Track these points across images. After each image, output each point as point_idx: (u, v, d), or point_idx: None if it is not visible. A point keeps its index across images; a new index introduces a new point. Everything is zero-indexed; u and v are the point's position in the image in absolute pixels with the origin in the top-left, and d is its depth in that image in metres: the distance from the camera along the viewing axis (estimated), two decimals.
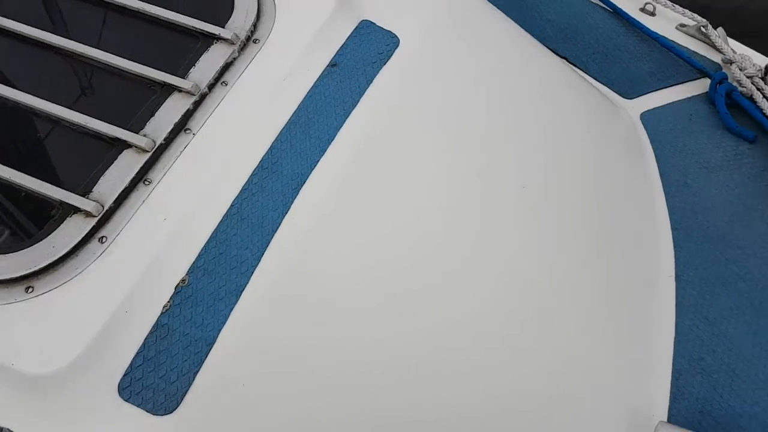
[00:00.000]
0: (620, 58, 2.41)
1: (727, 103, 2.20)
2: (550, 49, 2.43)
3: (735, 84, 2.25)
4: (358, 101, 1.52)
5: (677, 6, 2.54)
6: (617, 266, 1.85)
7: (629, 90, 2.32)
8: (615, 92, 2.32)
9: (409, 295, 1.39)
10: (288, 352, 1.28)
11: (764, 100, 2.18)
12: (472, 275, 1.53)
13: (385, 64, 1.61)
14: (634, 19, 2.45)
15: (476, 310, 1.50)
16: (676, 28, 2.50)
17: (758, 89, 2.21)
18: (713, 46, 2.39)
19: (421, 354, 1.37)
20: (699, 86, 2.30)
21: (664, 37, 2.41)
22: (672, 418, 1.61)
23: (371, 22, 1.71)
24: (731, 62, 2.29)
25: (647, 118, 2.23)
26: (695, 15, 2.49)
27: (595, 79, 2.36)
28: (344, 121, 1.48)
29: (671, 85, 2.31)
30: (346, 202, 1.40)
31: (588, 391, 1.61)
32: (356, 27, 1.69)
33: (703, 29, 2.44)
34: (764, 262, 1.86)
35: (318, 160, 1.42)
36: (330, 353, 1.29)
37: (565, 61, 2.41)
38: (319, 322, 1.30)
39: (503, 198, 1.66)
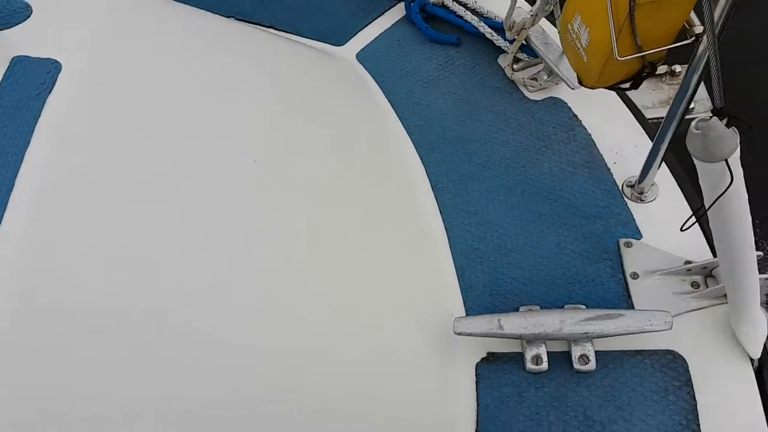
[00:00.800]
0: (323, 11, 2.45)
1: (424, 17, 2.32)
2: (253, 23, 2.41)
3: None
4: (30, 139, 1.38)
5: None
6: (382, 198, 1.89)
7: (340, 37, 2.36)
8: (328, 43, 2.35)
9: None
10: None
11: (454, 3, 2.32)
12: (246, 260, 1.47)
13: (50, 92, 1.48)
14: None
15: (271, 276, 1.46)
16: None
17: None
18: None
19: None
20: (398, 11, 2.39)
21: None
22: (469, 311, 1.68)
23: (25, 57, 1.56)
24: None
25: (362, 56, 2.29)
26: None
27: (308, 37, 2.38)
28: (20, 167, 1.33)
29: (374, 19, 2.38)
30: (43, 253, 1.27)
31: (389, 315, 1.62)
32: (8, 66, 1.54)
33: None
34: (500, 144, 1.99)
35: (1, 218, 1.27)
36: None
37: (272, 29, 2.40)
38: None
39: (238, 179, 1.61)
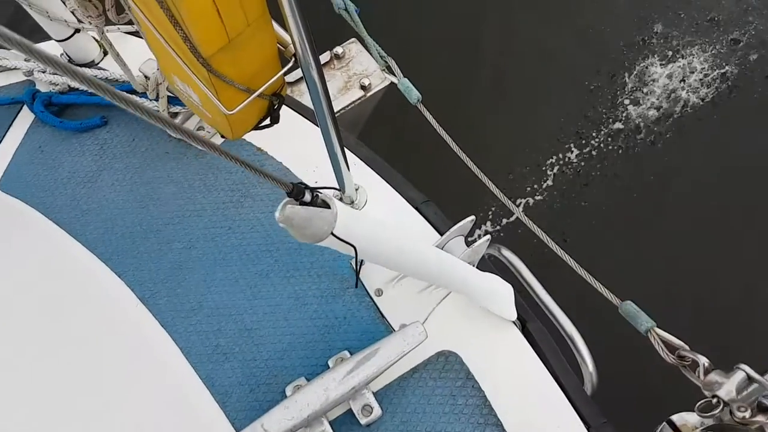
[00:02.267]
0: None
1: (55, 111, 1.98)
2: None
3: (51, 88, 2.03)
4: None
5: None
6: (87, 349, 1.59)
7: None
8: None
9: None
10: None
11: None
12: None
13: None
14: None
15: None
16: None
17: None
18: (6, 69, 2.12)
19: None
20: (26, 118, 2.02)
21: None
22: (235, 422, 1.46)
23: None
24: (32, 72, 2.05)
25: (5, 184, 1.90)
26: None
27: None
28: None
29: (2, 138, 2.00)
30: None
31: None
32: None
33: None
34: (195, 215, 1.76)
35: None
36: None
37: None
38: None
39: None
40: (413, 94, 1.07)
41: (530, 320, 1.52)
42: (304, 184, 0.93)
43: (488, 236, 1.55)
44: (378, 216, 1.69)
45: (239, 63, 1.14)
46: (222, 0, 1.03)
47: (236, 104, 1.20)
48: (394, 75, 1.08)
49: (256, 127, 1.38)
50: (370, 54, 1.07)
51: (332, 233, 0.94)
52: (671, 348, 0.66)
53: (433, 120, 1.07)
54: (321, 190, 0.96)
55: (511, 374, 1.45)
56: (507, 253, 1.74)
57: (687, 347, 0.64)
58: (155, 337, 1.59)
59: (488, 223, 3.51)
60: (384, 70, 1.09)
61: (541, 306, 1.67)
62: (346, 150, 1.80)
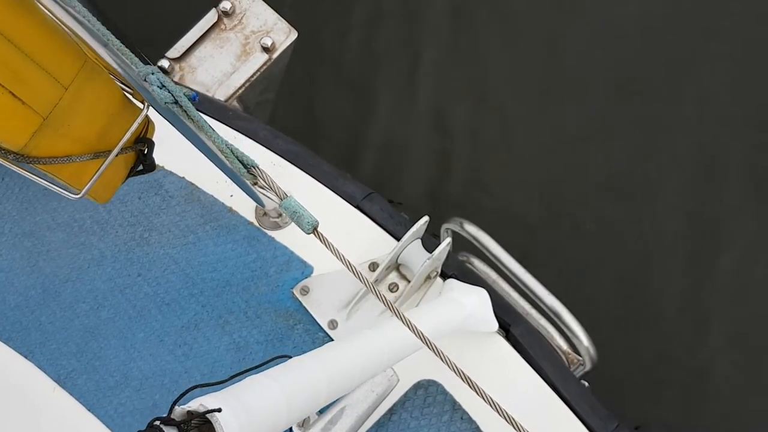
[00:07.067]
0: None
1: None
2: None
3: None
4: None
5: None
6: None
7: None
8: None
9: None
10: None
11: None
12: None
13: None
14: None
15: None
16: None
17: None
18: None
19: None
20: None
21: None
22: None
23: None
24: None
25: None
26: None
27: None
28: None
29: None
30: None
31: None
32: None
33: None
34: (95, 264, 1.45)
35: None
36: None
37: None
38: None
39: None
40: (305, 221, 0.77)
41: (513, 324, 1.30)
42: (160, 418, 0.65)
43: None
44: None
45: (72, 133, 0.81)
46: (14, 78, 0.69)
47: (87, 176, 0.88)
48: (276, 193, 0.77)
49: (130, 176, 1.06)
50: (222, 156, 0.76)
51: None
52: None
53: (334, 247, 0.79)
54: (198, 406, 0.67)
55: (503, 393, 1.25)
56: (471, 228, 1.50)
57: None
58: (85, 426, 1.34)
59: None
60: (255, 185, 0.78)
61: (519, 283, 1.46)
62: (260, 148, 1.49)
